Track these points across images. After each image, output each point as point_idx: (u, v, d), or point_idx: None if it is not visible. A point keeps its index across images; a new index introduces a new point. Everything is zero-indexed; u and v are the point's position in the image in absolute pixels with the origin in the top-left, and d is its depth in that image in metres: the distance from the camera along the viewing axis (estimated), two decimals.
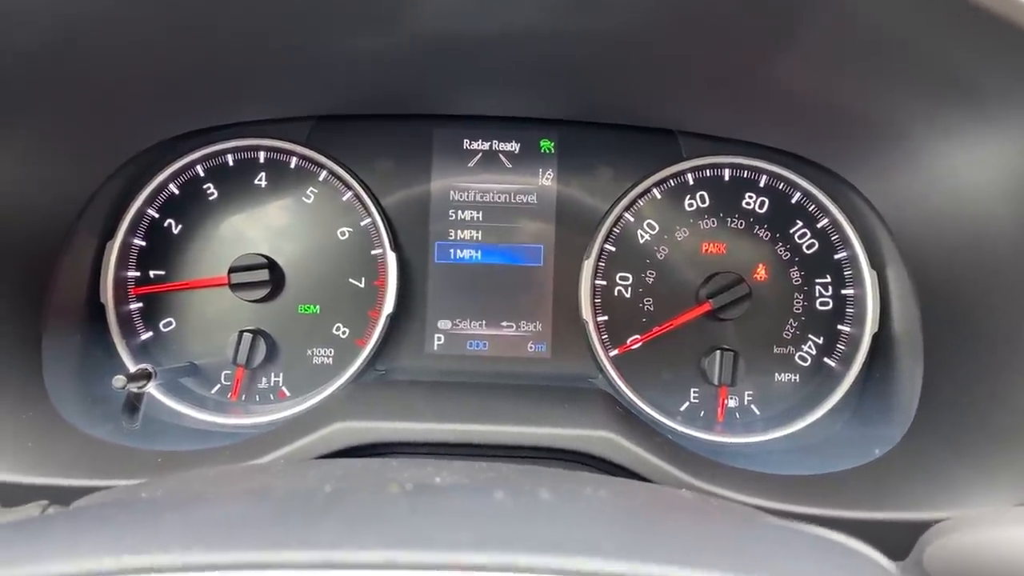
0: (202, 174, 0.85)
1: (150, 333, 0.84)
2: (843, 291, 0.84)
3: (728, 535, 0.36)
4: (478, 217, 0.89)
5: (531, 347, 0.88)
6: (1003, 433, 0.61)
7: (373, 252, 0.86)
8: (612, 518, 0.37)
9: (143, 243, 0.84)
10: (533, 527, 0.34)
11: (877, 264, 0.82)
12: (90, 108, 0.67)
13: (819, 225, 0.85)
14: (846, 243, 0.84)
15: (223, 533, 0.32)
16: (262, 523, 0.34)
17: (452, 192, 0.88)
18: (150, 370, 0.76)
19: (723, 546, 0.35)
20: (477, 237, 0.88)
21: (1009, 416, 0.61)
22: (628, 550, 0.31)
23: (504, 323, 0.88)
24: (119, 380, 0.73)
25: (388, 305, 0.85)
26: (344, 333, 0.85)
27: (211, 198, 0.85)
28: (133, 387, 0.74)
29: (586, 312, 0.85)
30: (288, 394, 0.84)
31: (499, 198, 0.89)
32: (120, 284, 0.83)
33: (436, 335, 0.88)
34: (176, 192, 0.84)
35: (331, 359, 0.85)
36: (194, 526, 0.34)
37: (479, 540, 0.32)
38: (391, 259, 0.85)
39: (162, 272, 0.84)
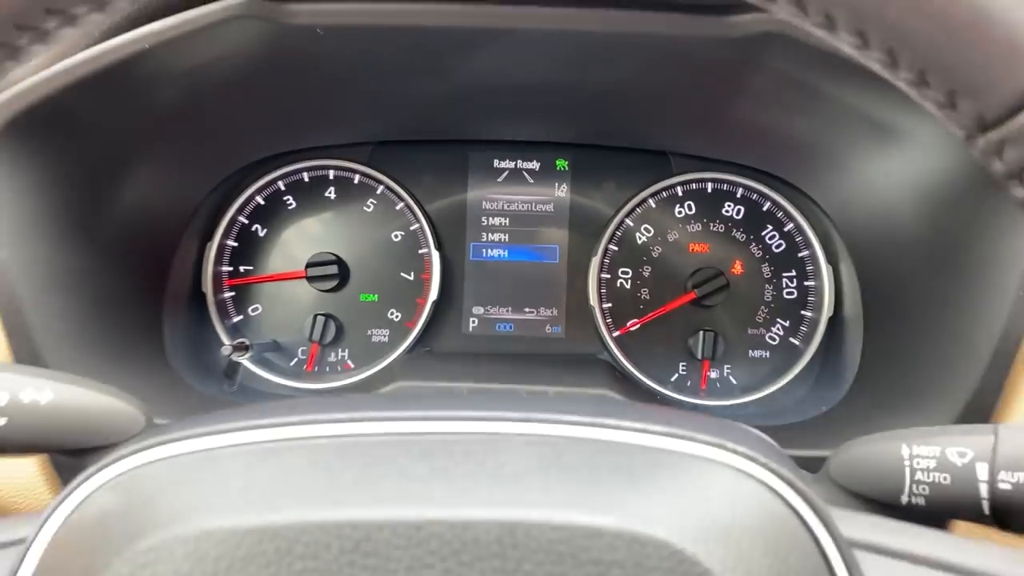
0: (283, 188, 0.99)
1: (241, 316, 0.98)
2: (805, 282, 0.97)
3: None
4: (505, 223, 1.02)
5: (548, 328, 1.01)
6: (919, 393, 0.75)
7: (420, 251, 1.00)
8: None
9: (235, 244, 0.98)
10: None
11: (832, 260, 0.95)
12: (201, 140, 0.83)
13: (785, 229, 0.97)
14: (807, 243, 0.96)
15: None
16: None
17: (484, 202, 1.02)
18: (247, 343, 0.91)
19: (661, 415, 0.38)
20: (504, 239, 1.01)
21: (925, 381, 0.75)
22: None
23: (526, 309, 1.01)
24: (226, 348, 0.89)
25: (433, 294, 0.98)
26: (397, 317, 0.99)
27: (290, 207, 0.99)
28: (236, 356, 0.89)
29: (593, 300, 0.98)
30: (352, 366, 0.99)
31: (522, 207, 1.02)
32: (217, 277, 0.98)
33: (471, 319, 1.01)
34: (262, 202, 0.99)
35: (387, 338, 0.99)
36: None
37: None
38: (435, 257, 0.99)
39: (250, 267, 0.99)
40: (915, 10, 0.30)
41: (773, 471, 0.34)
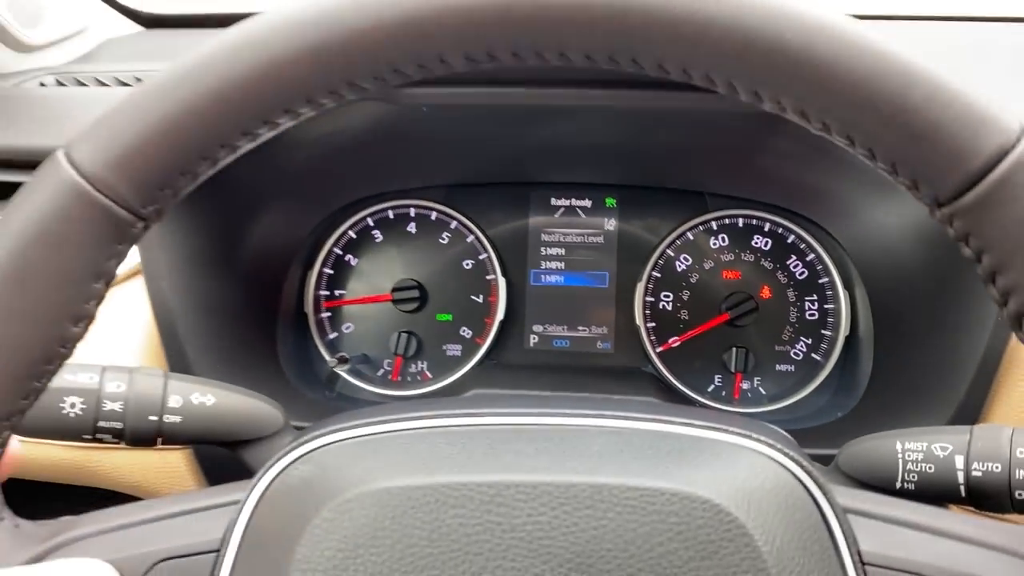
0: (371, 224, 1.10)
1: (336, 333, 1.10)
2: (825, 305, 1.05)
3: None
4: (561, 253, 1.11)
5: (599, 345, 1.10)
6: (919, 400, 0.84)
7: (488, 277, 1.10)
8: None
9: (331, 271, 1.10)
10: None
11: (848, 286, 1.03)
12: (312, 189, 0.95)
13: (807, 258, 1.06)
14: (827, 271, 1.05)
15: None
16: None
17: (543, 235, 1.11)
18: (346, 357, 1.03)
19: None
20: (561, 267, 1.11)
21: (924, 389, 0.84)
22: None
23: (580, 327, 1.10)
24: (332, 361, 1.01)
25: (499, 314, 1.08)
26: (468, 334, 1.10)
27: (377, 240, 1.11)
28: (338, 367, 1.02)
29: (639, 320, 1.07)
30: (430, 376, 1.09)
31: (576, 239, 1.11)
32: (316, 300, 1.10)
33: (532, 335, 1.11)
34: (353, 236, 1.10)
35: (460, 352, 1.09)
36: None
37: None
38: (501, 282, 1.09)
39: (343, 291, 1.10)
40: (875, 120, 0.40)
41: (785, 453, 0.44)
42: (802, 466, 0.44)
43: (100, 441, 0.61)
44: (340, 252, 1.10)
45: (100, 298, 0.44)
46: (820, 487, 0.44)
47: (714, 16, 0.38)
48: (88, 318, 0.44)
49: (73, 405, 0.60)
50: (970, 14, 1.04)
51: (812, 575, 0.40)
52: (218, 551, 0.43)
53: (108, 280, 0.44)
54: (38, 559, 0.45)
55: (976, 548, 0.43)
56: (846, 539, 0.42)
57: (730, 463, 0.43)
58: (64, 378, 0.60)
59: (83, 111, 0.92)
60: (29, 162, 0.86)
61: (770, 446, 0.45)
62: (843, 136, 0.41)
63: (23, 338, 0.41)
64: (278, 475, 0.44)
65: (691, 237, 1.09)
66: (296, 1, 0.42)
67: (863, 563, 0.42)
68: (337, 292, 1.10)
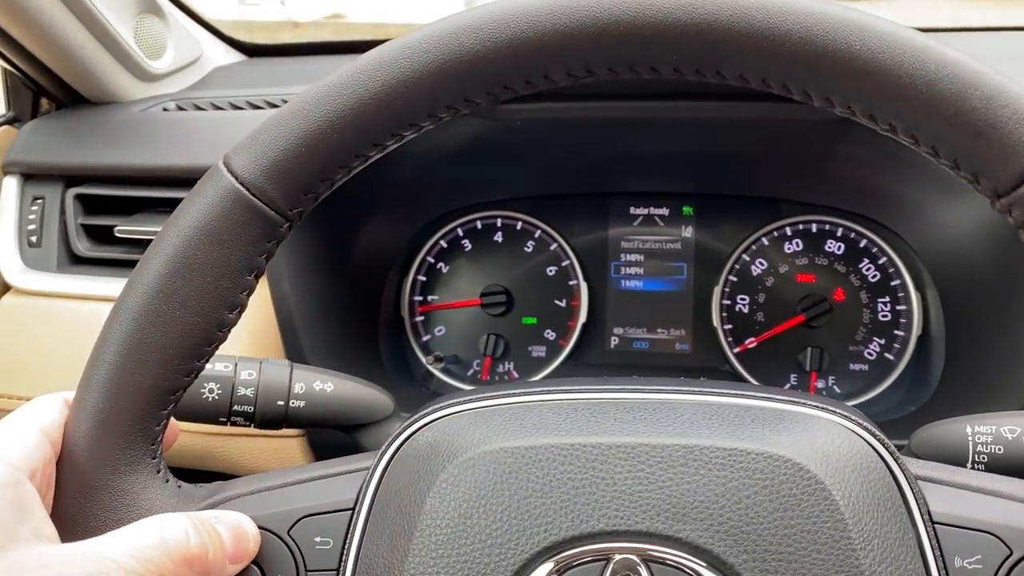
0: (461, 234, 1.16)
1: (429, 336, 1.16)
2: (897, 307, 1.07)
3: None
4: (640, 259, 1.15)
5: (678, 346, 1.14)
6: (988, 395, 0.86)
7: (571, 282, 1.15)
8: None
9: (424, 279, 1.16)
10: None
11: (920, 287, 1.05)
12: (412, 201, 1.02)
13: (879, 262, 1.08)
14: (898, 274, 1.07)
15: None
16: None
17: (622, 242, 1.15)
18: (441, 356, 1.10)
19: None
20: (640, 272, 1.14)
21: (993, 385, 0.86)
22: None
23: (659, 329, 1.14)
24: (429, 359, 1.08)
25: (581, 317, 1.13)
26: (552, 336, 1.15)
27: (466, 249, 1.16)
28: (434, 366, 1.08)
29: (716, 322, 1.10)
30: (517, 376, 1.14)
31: (655, 246, 1.15)
32: (412, 305, 1.16)
33: (613, 337, 1.15)
34: (444, 245, 1.16)
35: (544, 353, 1.14)
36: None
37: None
38: (583, 287, 1.13)
39: (436, 297, 1.16)
40: (938, 120, 0.44)
41: (859, 424, 0.49)
42: (875, 435, 0.48)
43: (234, 423, 0.68)
44: (432, 260, 1.17)
45: (251, 289, 0.51)
46: (892, 455, 0.47)
47: (791, 30, 0.43)
48: (241, 307, 0.51)
49: (212, 391, 0.67)
50: (1013, 24, 1.07)
51: (885, 529, 0.44)
52: (353, 508, 0.49)
53: (259, 274, 0.51)
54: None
55: None
56: (916, 501, 0.46)
57: (809, 430, 0.47)
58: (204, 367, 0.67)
59: (204, 132, 1.01)
60: (162, 179, 0.95)
61: (845, 417, 0.49)
62: (908, 136, 0.45)
63: (189, 322, 0.48)
64: (405, 441, 0.50)
65: (766, 242, 1.12)
66: (418, 29, 0.48)
67: (933, 522, 0.46)
68: (430, 297, 1.16)
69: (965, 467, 0.61)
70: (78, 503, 0.48)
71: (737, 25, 0.43)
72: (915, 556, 0.45)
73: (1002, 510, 0.46)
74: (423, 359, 1.13)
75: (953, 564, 0.45)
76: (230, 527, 0.47)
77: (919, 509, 0.46)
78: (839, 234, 1.10)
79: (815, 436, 0.47)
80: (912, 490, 0.47)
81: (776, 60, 0.44)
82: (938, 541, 0.45)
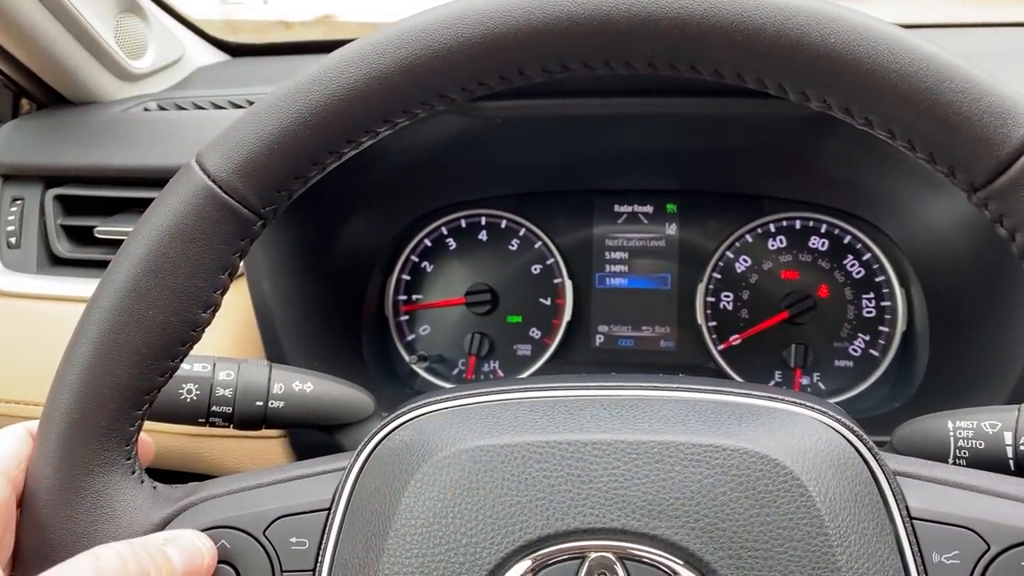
0: (445, 232, 1.16)
1: (413, 335, 1.16)
2: (882, 303, 1.07)
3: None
4: (625, 257, 1.15)
5: (662, 343, 1.13)
6: (971, 389, 0.86)
7: (555, 281, 1.14)
8: None
9: (408, 278, 1.16)
10: None
11: (904, 283, 1.05)
12: (393, 199, 1.02)
13: (864, 258, 1.08)
14: (883, 270, 1.07)
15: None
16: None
17: (607, 240, 1.15)
18: (425, 355, 1.09)
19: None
20: (624, 270, 1.14)
21: (976, 379, 0.86)
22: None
23: (644, 327, 1.14)
24: (413, 359, 1.07)
25: (566, 316, 1.13)
26: (537, 335, 1.14)
27: (451, 248, 1.16)
28: (417, 366, 1.08)
29: (700, 319, 1.10)
30: (502, 374, 1.14)
31: (639, 243, 1.15)
32: (396, 304, 1.16)
33: (598, 335, 1.15)
34: (429, 244, 1.16)
35: (529, 352, 1.14)
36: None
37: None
38: (568, 285, 1.13)
39: (420, 296, 1.16)
40: (913, 113, 0.43)
41: (837, 420, 0.48)
42: (853, 431, 0.48)
43: (212, 424, 0.67)
44: (416, 259, 1.16)
45: (225, 288, 0.50)
46: (870, 450, 0.47)
47: (764, 24, 0.43)
48: (215, 306, 0.50)
49: (190, 391, 0.66)
50: (990, 21, 1.08)
51: (863, 525, 0.44)
52: (329, 509, 0.49)
53: (232, 272, 0.50)
54: (173, 516, 0.51)
55: (1018, 504, 0.46)
56: (895, 496, 0.46)
57: (786, 426, 0.47)
58: (182, 368, 0.67)
59: (185, 132, 1.00)
60: (142, 179, 0.95)
61: (823, 413, 0.49)
62: (884, 130, 0.45)
63: (162, 321, 0.48)
64: (381, 441, 0.50)
65: (750, 239, 1.12)
66: (388, 25, 0.47)
67: (911, 518, 0.46)
68: (414, 297, 1.16)
69: (947, 462, 0.61)
70: (49, 511, 0.47)
71: (710, 19, 0.42)
72: (893, 552, 0.44)
73: (980, 505, 0.46)
74: (407, 358, 1.12)
75: (931, 560, 0.45)
76: (182, 547, 0.47)
77: (897, 505, 0.46)
78: (823, 230, 1.10)
79: (792, 432, 0.46)
80: (890, 486, 0.46)
81: (750, 54, 0.43)
82: (916, 537, 0.45)
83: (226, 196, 0.47)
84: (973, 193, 0.44)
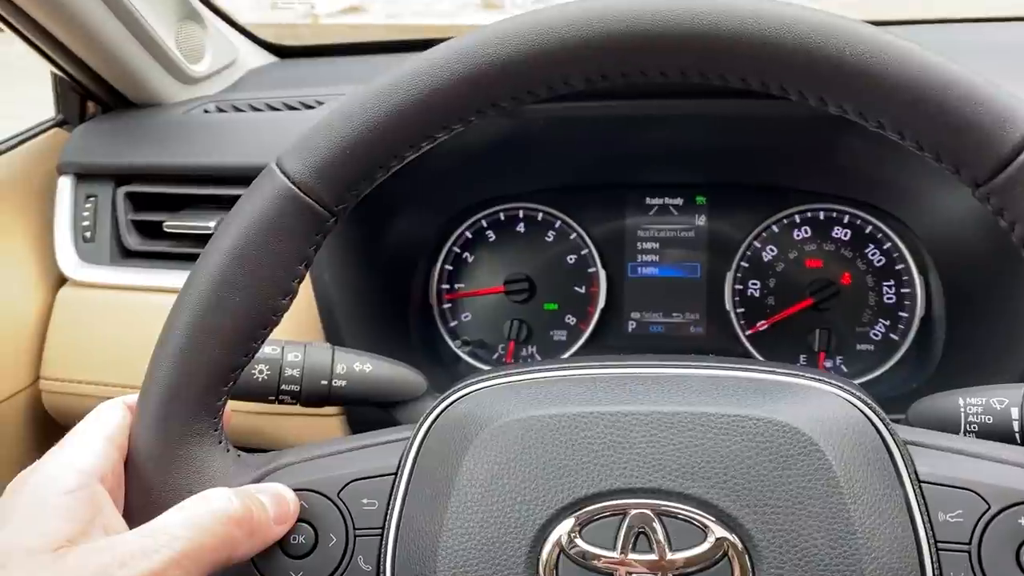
0: (485, 225, 1.20)
1: (456, 322, 1.21)
2: (902, 290, 1.10)
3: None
4: (656, 247, 1.18)
5: (692, 329, 1.17)
6: (985, 370, 0.90)
7: (590, 270, 1.18)
8: None
9: (451, 268, 1.21)
10: None
11: (923, 271, 1.08)
12: (439, 194, 1.07)
13: (884, 247, 1.11)
14: (902, 258, 1.10)
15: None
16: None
17: (639, 231, 1.18)
18: (469, 340, 1.15)
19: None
20: (656, 259, 1.18)
21: (989, 360, 0.90)
22: None
23: (674, 314, 1.17)
24: (458, 343, 1.13)
25: (600, 303, 1.16)
26: (572, 321, 1.18)
27: (490, 239, 1.20)
28: (462, 350, 1.13)
29: (729, 306, 1.14)
30: (539, 359, 1.20)
31: (669, 234, 1.18)
32: (439, 293, 1.20)
33: (630, 322, 1.19)
34: (470, 236, 1.20)
35: (565, 337, 1.18)
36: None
37: None
38: (601, 274, 1.17)
39: (462, 285, 1.20)
40: (921, 118, 0.47)
41: (853, 394, 0.53)
42: (868, 404, 0.52)
43: (282, 402, 0.73)
44: (458, 251, 1.21)
45: (302, 278, 0.56)
46: (882, 421, 0.52)
47: (786, 40, 0.47)
48: (292, 293, 0.56)
49: (261, 372, 0.71)
50: (988, 15, 1.11)
51: (874, 487, 0.49)
52: (396, 473, 0.54)
53: (308, 264, 0.55)
54: (256, 480, 0.56)
55: (1019, 469, 0.50)
56: (904, 462, 0.50)
57: (806, 399, 0.51)
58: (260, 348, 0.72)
59: (243, 133, 1.06)
60: (206, 177, 1.00)
61: (840, 388, 0.53)
62: (895, 132, 0.49)
63: (247, 307, 0.53)
64: (442, 412, 0.55)
65: (776, 230, 1.15)
66: (450, 41, 0.53)
67: (919, 481, 0.50)
68: (457, 286, 1.21)
69: (958, 434, 0.64)
70: (151, 475, 0.53)
71: (737, 35, 0.47)
72: (902, 510, 0.49)
73: (981, 469, 0.50)
74: (451, 343, 1.18)
75: (937, 518, 0.49)
76: (271, 494, 0.52)
77: (907, 469, 0.50)
78: (846, 221, 1.13)
79: (811, 404, 0.51)
80: (900, 453, 0.51)
81: (773, 65, 0.48)
82: (923, 498, 0.49)
83: (304, 196, 0.52)
84: (976, 189, 0.48)
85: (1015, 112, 0.45)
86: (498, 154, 1.03)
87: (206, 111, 1.13)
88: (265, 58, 1.42)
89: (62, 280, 1.03)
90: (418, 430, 0.54)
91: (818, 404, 0.51)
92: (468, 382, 0.56)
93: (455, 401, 0.55)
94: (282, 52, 1.45)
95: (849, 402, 0.52)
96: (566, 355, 1.18)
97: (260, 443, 0.95)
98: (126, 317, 1.01)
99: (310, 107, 1.05)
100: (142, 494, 0.53)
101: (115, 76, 1.13)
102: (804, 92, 0.49)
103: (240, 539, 0.48)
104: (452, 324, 1.21)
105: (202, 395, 0.53)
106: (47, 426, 1.04)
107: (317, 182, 0.52)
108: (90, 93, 1.17)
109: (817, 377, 0.54)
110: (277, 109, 1.10)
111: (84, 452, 0.49)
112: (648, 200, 1.20)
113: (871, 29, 0.48)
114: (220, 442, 0.56)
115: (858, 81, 0.47)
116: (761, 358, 1.13)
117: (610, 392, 0.52)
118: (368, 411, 0.76)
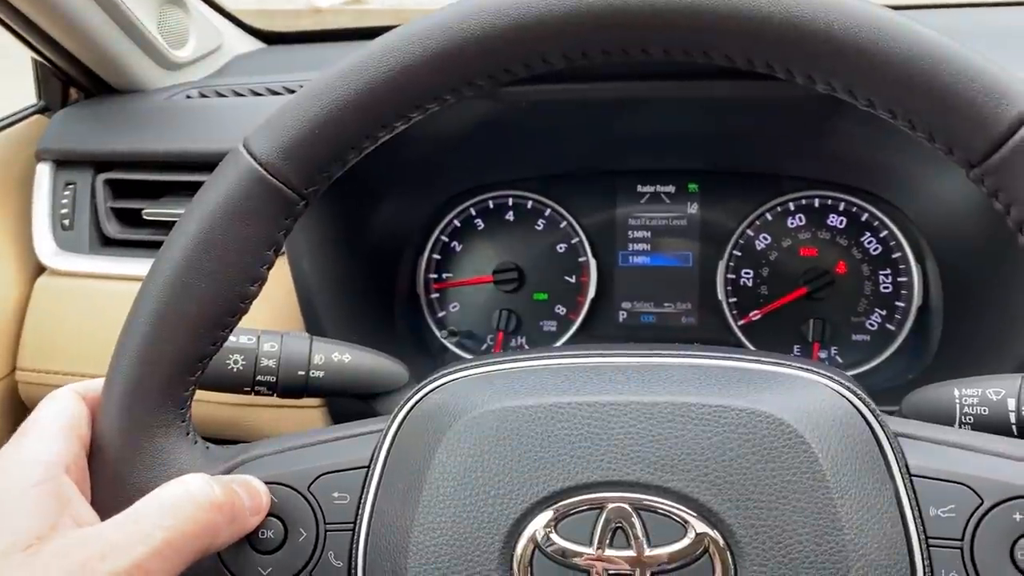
0: (474, 213, 1.18)
1: (443, 312, 1.19)
2: (899, 279, 1.08)
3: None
4: (647, 235, 1.16)
5: (684, 319, 1.15)
6: (982, 360, 0.88)
7: (580, 259, 1.16)
8: None
9: (438, 257, 1.19)
10: None
11: (920, 259, 1.06)
12: (424, 181, 1.05)
13: (880, 235, 1.09)
14: (899, 246, 1.08)
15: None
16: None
17: (630, 219, 1.17)
18: (456, 331, 1.13)
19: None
20: (647, 248, 1.16)
21: (986, 350, 0.88)
22: None
23: (666, 303, 1.16)
24: (444, 334, 1.11)
25: (591, 293, 1.15)
26: (563, 311, 1.17)
27: (479, 228, 1.18)
28: (448, 340, 1.11)
29: (721, 295, 1.12)
30: (527, 349, 1.18)
31: (661, 222, 1.16)
32: (427, 282, 1.18)
33: (621, 312, 1.17)
34: (458, 224, 1.18)
35: (555, 328, 1.16)
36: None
37: None
38: (592, 264, 1.15)
39: (450, 274, 1.19)
40: (912, 95, 0.45)
41: (842, 384, 0.51)
42: (856, 394, 0.50)
43: (258, 393, 0.71)
44: (446, 239, 1.19)
45: (271, 264, 0.54)
46: (872, 412, 0.50)
47: (772, 13, 0.45)
48: (261, 280, 0.54)
49: (236, 362, 0.70)
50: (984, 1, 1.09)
51: (863, 481, 0.47)
52: (369, 466, 0.52)
53: (277, 249, 0.53)
54: (224, 473, 0.54)
55: (1013, 462, 0.48)
56: (895, 455, 0.49)
57: (791, 389, 0.49)
58: (228, 340, 0.70)
59: (226, 119, 1.04)
60: (187, 163, 0.98)
61: (828, 378, 0.51)
62: (886, 111, 0.47)
63: (213, 294, 0.51)
64: (416, 403, 0.53)
65: (769, 218, 1.13)
66: (422, 17, 0.50)
67: (911, 475, 0.48)
68: (444, 275, 1.19)
69: (953, 426, 0.63)
70: (116, 469, 0.51)
71: (721, 9, 0.45)
72: (892, 505, 0.47)
73: (974, 463, 0.48)
74: (438, 334, 1.16)
75: (928, 513, 0.47)
76: (243, 486, 0.51)
77: (897, 463, 0.48)
78: (841, 208, 1.12)
79: (797, 394, 0.49)
80: (891, 445, 0.49)
81: (759, 41, 0.46)
82: (914, 492, 0.48)
83: (272, 178, 0.50)
84: (970, 169, 0.46)
85: (1011, 89, 0.43)
86: (486, 140, 1.01)
87: (188, 97, 1.11)
88: (252, 44, 1.39)
89: (40, 269, 1.01)
90: (391, 422, 0.52)
91: (804, 394, 0.49)
92: (443, 372, 0.54)
93: (430, 392, 0.53)
94: (269, 38, 1.43)
95: (837, 392, 0.50)
96: (558, 344, 1.16)
97: (237, 435, 0.93)
98: (105, 306, 0.99)
99: (295, 93, 1.03)
100: (109, 486, 0.51)
101: (96, 62, 1.10)
102: (791, 69, 0.47)
103: (222, 526, 0.47)
104: (440, 314, 1.19)
105: (167, 385, 0.52)
106: (24, 418, 1.02)
107: (285, 163, 0.50)
108: (71, 79, 1.15)
109: (804, 366, 0.52)
110: (261, 95, 1.08)
111: (45, 444, 0.47)
112: (640, 188, 1.18)
113: (861, 2, 0.46)
114: (188, 434, 0.54)
115: (847, 57, 0.45)
116: (753, 348, 1.12)
117: (588, 382, 0.50)
118: (349, 403, 0.74)
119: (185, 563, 0.44)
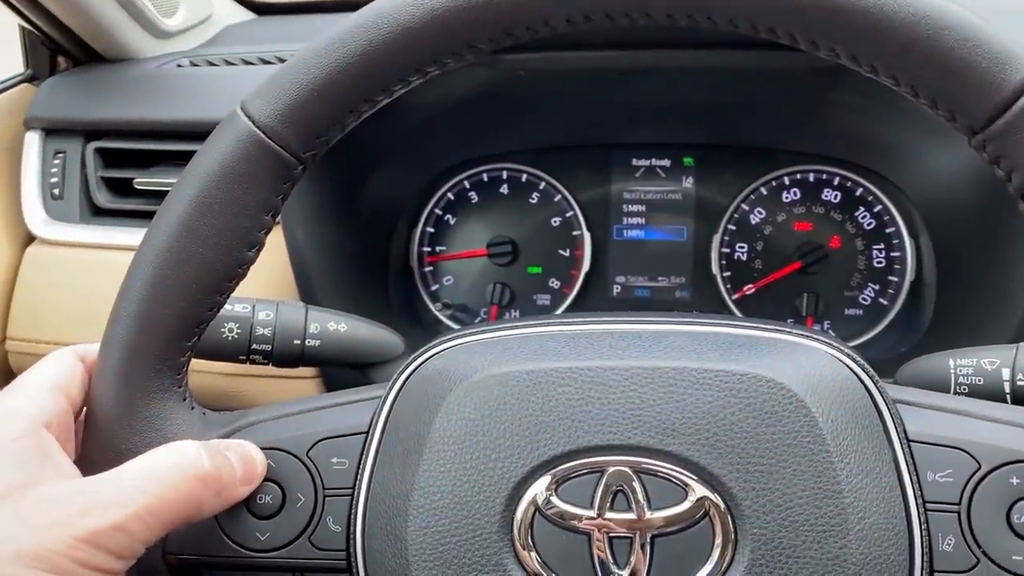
0: (467, 186, 1.18)
1: (437, 285, 1.19)
2: (892, 253, 1.09)
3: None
4: (642, 209, 1.16)
5: (678, 293, 1.16)
6: (974, 332, 0.89)
7: (574, 233, 1.16)
8: None
9: (432, 230, 1.18)
10: None
11: (913, 234, 1.07)
12: (419, 152, 1.04)
13: (874, 209, 1.09)
14: (893, 221, 1.08)
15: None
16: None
17: (625, 193, 1.17)
18: (450, 303, 1.13)
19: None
20: (641, 222, 1.16)
21: (979, 323, 0.89)
22: None
23: (660, 277, 1.16)
24: (438, 306, 1.11)
25: (585, 267, 1.15)
26: (556, 285, 1.17)
27: (473, 201, 1.18)
28: (442, 313, 1.11)
29: (715, 270, 1.12)
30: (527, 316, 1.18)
31: (656, 196, 1.16)
32: (420, 255, 1.18)
33: (615, 285, 1.17)
34: (452, 198, 1.18)
35: (549, 302, 1.16)
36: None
37: None
38: (586, 237, 1.15)
39: (444, 248, 1.18)
40: (915, 60, 0.45)
41: (841, 351, 0.51)
42: (856, 361, 0.51)
43: (253, 362, 0.71)
44: (440, 212, 1.19)
45: (268, 228, 0.53)
46: (871, 378, 0.50)
47: None
48: (259, 245, 0.53)
49: (231, 330, 0.69)
50: None
51: (862, 445, 0.47)
52: (368, 431, 0.52)
53: (275, 214, 0.53)
54: (223, 438, 0.54)
55: (1010, 427, 0.49)
56: (893, 420, 0.49)
57: (792, 355, 0.50)
58: (224, 308, 0.70)
59: (217, 88, 1.03)
60: (178, 132, 0.98)
61: (827, 344, 0.51)
62: (889, 77, 0.47)
63: (210, 258, 0.51)
64: (415, 369, 0.53)
65: (764, 192, 1.13)
66: None
67: (908, 440, 0.49)
68: (438, 248, 1.19)
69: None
70: (109, 431, 0.51)
71: None
72: (890, 470, 0.47)
73: (972, 428, 0.49)
74: (432, 307, 1.16)
75: (926, 478, 0.48)
76: (239, 453, 0.51)
77: (895, 428, 0.49)
78: (835, 183, 1.12)
79: (797, 360, 0.49)
80: (889, 411, 0.49)
81: (763, 6, 0.46)
82: (912, 457, 0.48)
83: (270, 141, 0.50)
84: (972, 136, 0.46)
85: (1015, 54, 0.43)
86: (480, 110, 1.01)
87: (179, 66, 1.10)
88: (243, 14, 1.38)
89: (30, 238, 1.00)
90: (391, 387, 0.52)
91: (804, 360, 0.49)
92: (443, 339, 0.54)
93: (429, 358, 0.53)
94: (259, 9, 1.42)
95: (836, 359, 0.50)
96: (556, 313, 1.16)
97: (232, 405, 0.93)
98: (95, 276, 0.98)
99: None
100: (100, 448, 0.51)
101: (85, 29, 1.09)
102: (795, 35, 0.47)
103: (206, 498, 0.47)
104: (433, 287, 1.19)
105: (164, 350, 0.51)
106: None
107: (283, 126, 0.50)
108: (60, 47, 1.14)
109: (803, 333, 0.52)
110: (252, 64, 1.07)
111: (28, 399, 0.47)
112: (635, 161, 1.18)
113: None
114: (184, 399, 0.54)
115: (850, 21, 0.45)
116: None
117: (588, 347, 0.50)
118: (344, 374, 0.74)
119: (166, 529, 0.45)
